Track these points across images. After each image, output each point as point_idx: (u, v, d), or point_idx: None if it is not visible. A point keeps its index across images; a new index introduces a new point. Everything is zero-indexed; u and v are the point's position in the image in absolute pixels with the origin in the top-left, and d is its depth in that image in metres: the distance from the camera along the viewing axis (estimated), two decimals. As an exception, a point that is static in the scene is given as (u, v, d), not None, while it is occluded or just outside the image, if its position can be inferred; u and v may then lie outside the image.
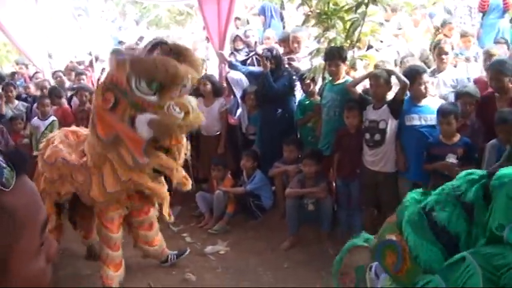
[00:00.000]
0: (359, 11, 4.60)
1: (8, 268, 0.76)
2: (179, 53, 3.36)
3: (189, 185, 3.74)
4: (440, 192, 1.53)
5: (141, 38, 9.52)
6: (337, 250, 4.49)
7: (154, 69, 3.17)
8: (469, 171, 1.54)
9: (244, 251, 4.74)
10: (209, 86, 5.65)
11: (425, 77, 4.29)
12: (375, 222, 4.74)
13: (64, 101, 6.21)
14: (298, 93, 5.56)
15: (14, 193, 0.75)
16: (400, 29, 7.75)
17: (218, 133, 5.82)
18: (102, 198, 3.56)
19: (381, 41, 5.75)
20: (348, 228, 4.78)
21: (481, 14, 7.93)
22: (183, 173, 3.70)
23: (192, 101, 3.39)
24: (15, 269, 0.76)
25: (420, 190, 1.68)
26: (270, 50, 5.53)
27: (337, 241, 4.67)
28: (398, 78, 4.29)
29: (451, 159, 3.91)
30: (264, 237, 4.96)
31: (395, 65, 5.56)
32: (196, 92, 5.67)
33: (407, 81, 4.19)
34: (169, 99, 3.23)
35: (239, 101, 5.84)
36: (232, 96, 6.02)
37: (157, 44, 3.37)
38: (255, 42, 6.85)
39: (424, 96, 4.24)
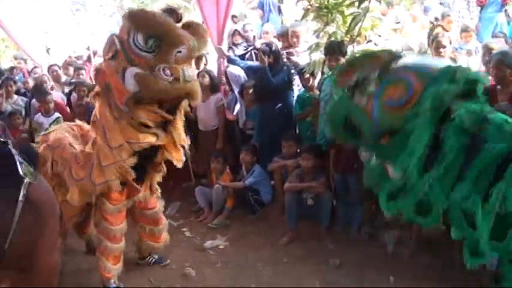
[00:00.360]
0: (362, 5, 4.59)
1: (33, 263, 0.76)
2: (188, 24, 3.37)
3: (180, 160, 3.71)
4: None
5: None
6: (336, 245, 4.58)
7: (152, 23, 3.17)
8: None
9: (243, 246, 4.74)
10: (207, 80, 5.63)
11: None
12: (374, 216, 4.78)
13: (51, 97, 6.19)
14: (297, 88, 5.56)
15: (38, 188, 0.76)
16: (398, 23, 7.74)
17: (216, 128, 5.81)
18: (103, 178, 3.50)
19: (379, 35, 5.73)
20: (347, 222, 4.80)
21: (479, 8, 7.92)
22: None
23: (188, 71, 3.31)
24: (39, 263, 0.77)
25: None
26: (268, 44, 5.52)
27: (336, 236, 4.71)
28: None
29: None
30: (263, 232, 4.97)
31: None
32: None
33: None
34: (163, 62, 3.19)
35: (237, 96, 5.83)
36: (230, 92, 6.01)
37: (168, 11, 3.35)
38: (254, 37, 6.84)
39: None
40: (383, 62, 1.73)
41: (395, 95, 1.65)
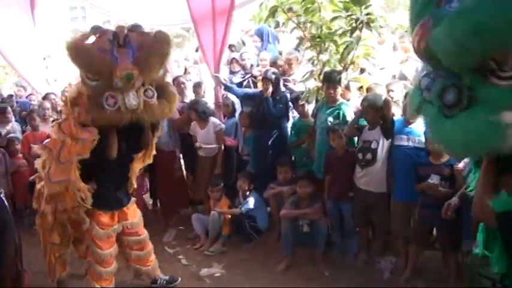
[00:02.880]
0: (354, 35, 4.68)
1: None
2: (141, 43, 3.45)
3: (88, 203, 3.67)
4: None
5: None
6: (333, 271, 4.56)
7: (83, 59, 3.33)
8: None
9: (239, 274, 4.72)
10: (194, 115, 5.69)
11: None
12: (371, 243, 4.78)
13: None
14: (291, 115, 5.62)
15: None
16: (395, 50, 7.81)
17: (214, 154, 5.83)
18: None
19: (374, 64, 5.82)
20: (343, 249, 4.79)
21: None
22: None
23: (130, 99, 3.36)
24: None
25: None
26: (273, 72, 5.59)
27: (333, 262, 4.70)
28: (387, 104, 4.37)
29: (434, 179, 3.95)
30: (259, 259, 4.95)
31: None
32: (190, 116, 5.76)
33: (389, 100, 4.30)
34: (108, 90, 3.32)
35: (238, 122, 5.91)
36: (227, 118, 6.06)
37: (101, 31, 3.46)
38: (251, 65, 6.94)
39: (415, 117, 4.27)
40: None
41: None
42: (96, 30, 3.45)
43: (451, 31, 1.49)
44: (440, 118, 1.64)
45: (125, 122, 3.41)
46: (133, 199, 4.16)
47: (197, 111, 5.68)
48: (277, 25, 7.78)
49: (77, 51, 3.33)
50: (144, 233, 4.13)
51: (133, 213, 4.04)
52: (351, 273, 4.48)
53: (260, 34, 7.95)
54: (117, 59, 3.32)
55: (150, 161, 4.16)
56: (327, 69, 4.91)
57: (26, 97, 8.43)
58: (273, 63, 6.35)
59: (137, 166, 4.13)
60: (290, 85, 5.87)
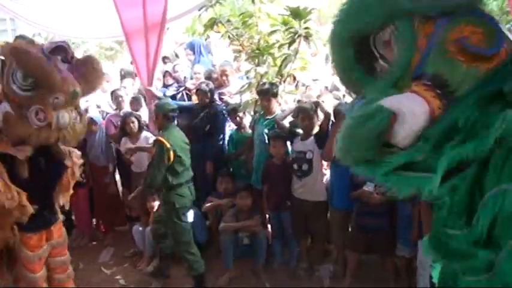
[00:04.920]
0: (292, 47, 4.77)
1: None
2: (79, 64, 3.28)
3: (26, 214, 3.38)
4: None
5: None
6: (275, 282, 4.57)
7: (34, 64, 3.05)
8: None
9: (180, 290, 4.63)
10: (136, 123, 5.58)
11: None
12: (310, 251, 4.84)
13: None
14: (228, 128, 5.64)
15: None
16: (327, 62, 8.03)
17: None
18: None
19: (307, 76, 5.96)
20: (284, 259, 4.83)
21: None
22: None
23: (64, 116, 3.17)
24: None
25: None
26: (207, 84, 5.58)
27: (274, 273, 4.72)
28: (322, 109, 4.46)
29: (369, 187, 4.09)
30: (200, 274, 4.87)
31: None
32: (123, 131, 5.62)
33: (330, 112, 4.39)
34: (38, 104, 3.09)
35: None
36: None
37: (58, 49, 3.23)
38: (184, 77, 6.88)
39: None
40: None
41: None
42: (31, 41, 3.27)
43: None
44: None
45: (52, 140, 3.24)
46: (60, 217, 3.94)
47: (139, 120, 5.60)
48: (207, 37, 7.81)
49: (24, 54, 3.08)
50: (67, 254, 3.92)
51: (59, 232, 3.83)
52: (292, 283, 4.52)
53: (192, 47, 7.94)
54: (61, 72, 3.17)
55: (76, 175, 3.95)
56: (264, 81, 4.96)
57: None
58: (208, 77, 6.34)
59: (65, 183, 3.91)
60: (226, 98, 5.88)
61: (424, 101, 1.28)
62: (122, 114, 5.95)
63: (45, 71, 3.06)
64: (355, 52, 1.49)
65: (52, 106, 3.11)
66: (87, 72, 3.29)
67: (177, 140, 4.46)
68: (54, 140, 3.25)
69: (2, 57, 3.13)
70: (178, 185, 4.43)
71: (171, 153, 4.31)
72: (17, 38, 3.39)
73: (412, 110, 1.27)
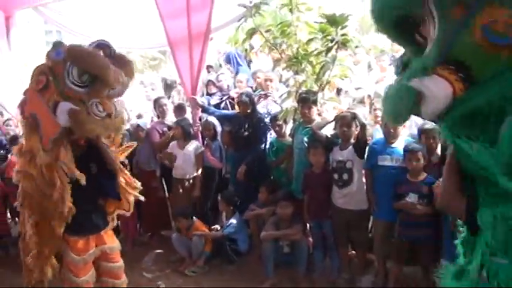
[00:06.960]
0: (329, 55, 4.75)
1: None
2: (118, 59, 3.41)
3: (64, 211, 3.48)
4: None
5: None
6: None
7: (89, 60, 3.19)
8: None
9: (221, 296, 4.66)
10: (179, 130, 5.73)
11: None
12: (351, 261, 4.78)
13: None
14: (269, 135, 5.67)
15: None
16: (370, 69, 7.93)
17: (193, 176, 5.80)
18: None
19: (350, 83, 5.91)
20: (324, 269, 4.78)
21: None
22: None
23: (118, 105, 3.40)
24: None
25: None
26: (247, 95, 5.64)
27: (314, 282, 4.67)
28: (359, 120, 4.43)
29: (412, 198, 4.00)
30: (240, 282, 4.88)
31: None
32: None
33: (365, 123, 4.36)
34: (95, 97, 3.24)
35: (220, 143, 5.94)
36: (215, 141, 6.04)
37: (101, 46, 3.39)
38: (228, 86, 6.97)
39: (395, 137, 4.32)
40: None
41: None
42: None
43: None
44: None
45: (112, 129, 3.44)
46: (111, 223, 4.03)
47: (184, 128, 5.70)
48: (251, 48, 7.89)
49: (80, 51, 3.26)
50: (121, 261, 3.99)
51: (112, 238, 3.92)
52: (333, 293, 4.47)
53: (228, 60, 8.05)
54: (112, 65, 3.30)
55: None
56: (303, 89, 4.96)
57: (4, 123, 8.27)
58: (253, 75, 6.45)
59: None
60: (270, 100, 5.94)
61: (449, 84, 1.40)
62: (165, 122, 6.10)
63: (101, 65, 3.21)
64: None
65: (108, 97, 3.31)
66: (124, 66, 3.41)
67: None
68: (114, 129, 3.46)
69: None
70: None
71: None
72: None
73: (436, 92, 1.41)
